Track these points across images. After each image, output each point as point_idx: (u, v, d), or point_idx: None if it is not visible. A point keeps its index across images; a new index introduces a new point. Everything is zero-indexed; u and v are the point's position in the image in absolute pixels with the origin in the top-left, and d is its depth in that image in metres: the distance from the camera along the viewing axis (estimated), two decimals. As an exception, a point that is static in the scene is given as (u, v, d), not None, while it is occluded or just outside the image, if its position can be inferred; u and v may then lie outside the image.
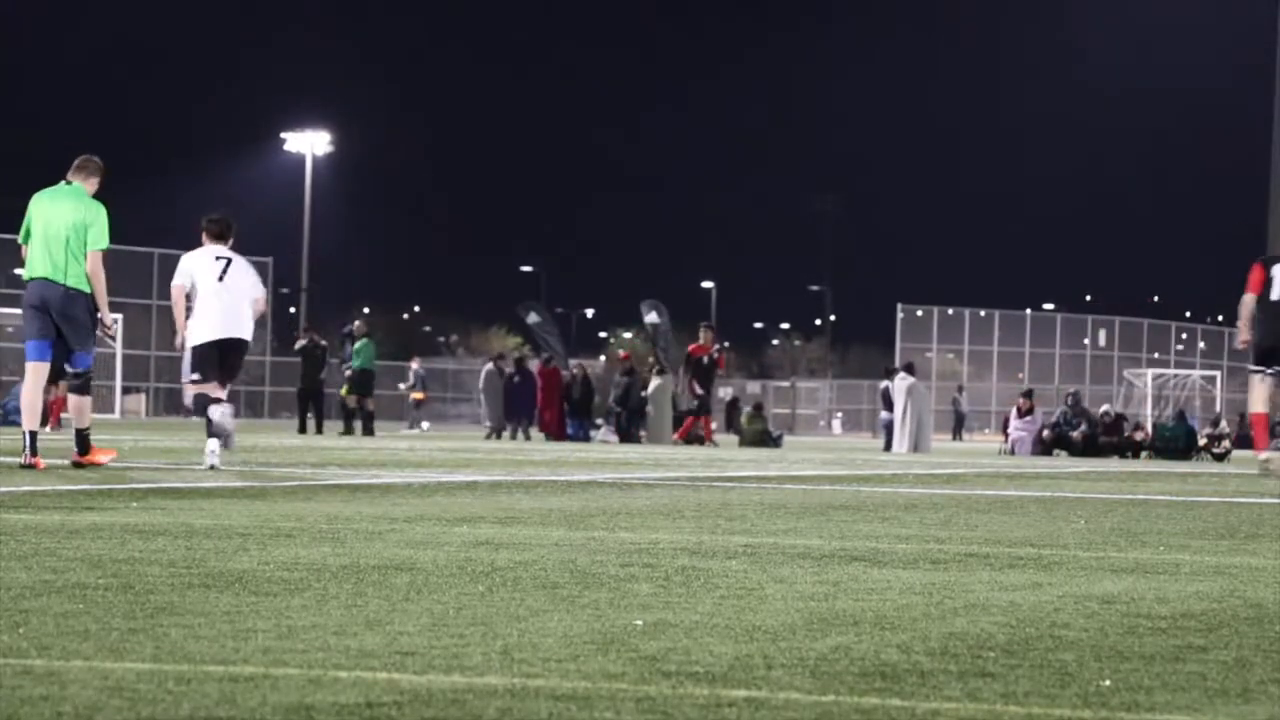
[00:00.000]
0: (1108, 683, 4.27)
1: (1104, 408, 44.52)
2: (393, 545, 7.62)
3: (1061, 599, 6.09)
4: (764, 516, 10.42)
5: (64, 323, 15.42)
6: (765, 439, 40.03)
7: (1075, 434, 38.81)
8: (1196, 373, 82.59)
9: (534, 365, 44.77)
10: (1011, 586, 6.51)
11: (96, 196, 15.72)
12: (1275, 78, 60.84)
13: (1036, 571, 7.12)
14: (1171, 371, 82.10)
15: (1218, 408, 73.66)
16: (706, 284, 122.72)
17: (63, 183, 15.74)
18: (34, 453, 15.02)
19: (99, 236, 15.45)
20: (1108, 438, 39.03)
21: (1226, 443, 38.58)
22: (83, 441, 15.68)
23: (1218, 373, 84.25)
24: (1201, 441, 38.44)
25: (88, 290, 15.45)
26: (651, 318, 44.16)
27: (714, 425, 38.37)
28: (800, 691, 4.03)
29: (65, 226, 15.38)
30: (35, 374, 15.62)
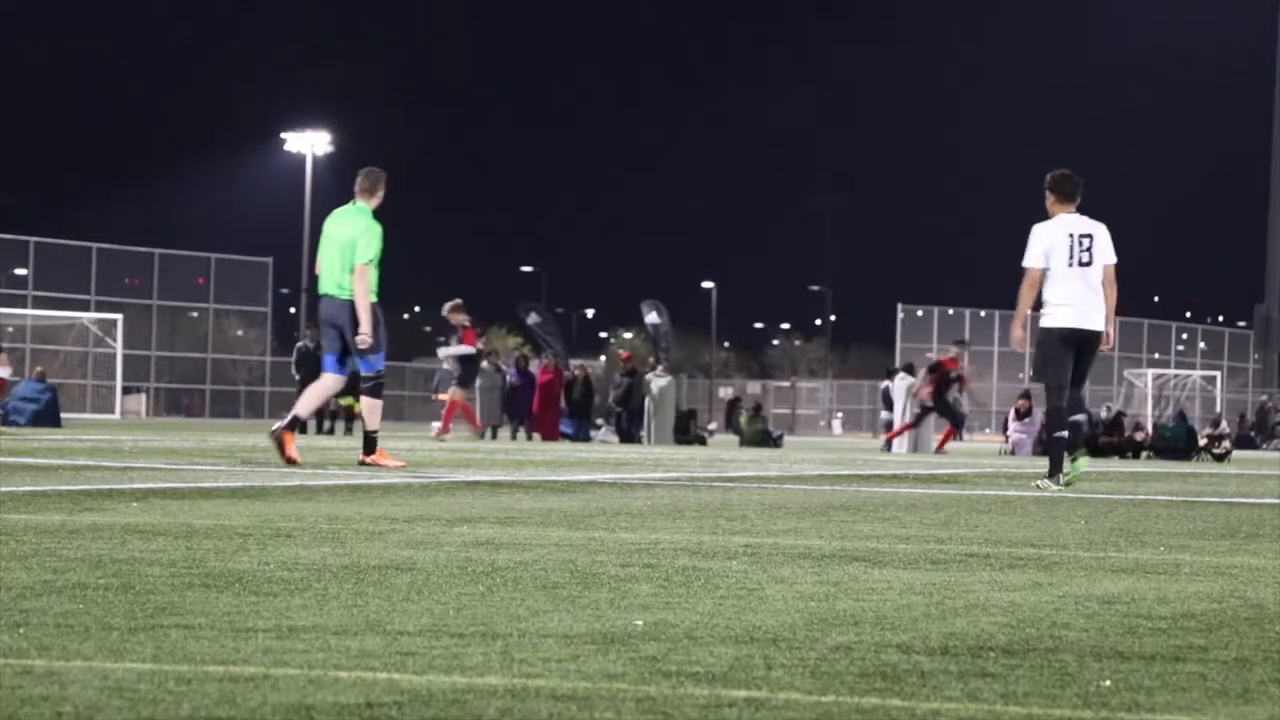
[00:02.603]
0: (1108, 683, 4.27)
1: (1105, 405, 44.50)
2: (393, 545, 7.61)
3: (1061, 599, 6.09)
4: (764, 516, 10.41)
5: (345, 333, 16.67)
6: (766, 439, 40.02)
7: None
8: (1197, 373, 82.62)
9: (534, 366, 44.73)
10: (1011, 586, 6.50)
11: (378, 210, 16.89)
12: (1275, 77, 60.84)
13: (1036, 571, 7.12)
14: (1172, 371, 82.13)
15: (1218, 408, 73.64)
16: (707, 284, 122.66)
17: (350, 203, 16.92)
18: (290, 428, 16.49)
19: (363, 250, 16.50)
20: (1108, 438, 39.03)
21: (1226, 443, 38.56)
22: (370, 443, 16.73)
23: (1218, 373, 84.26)
24: (1201, 441, 38.44)
25: (373, 300, 16.64)
26: (652, 318, 44.14)
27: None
28: (800, 692, 4.03)
29: (342, 244, 16.58)
30: (329, 383, 17.18)
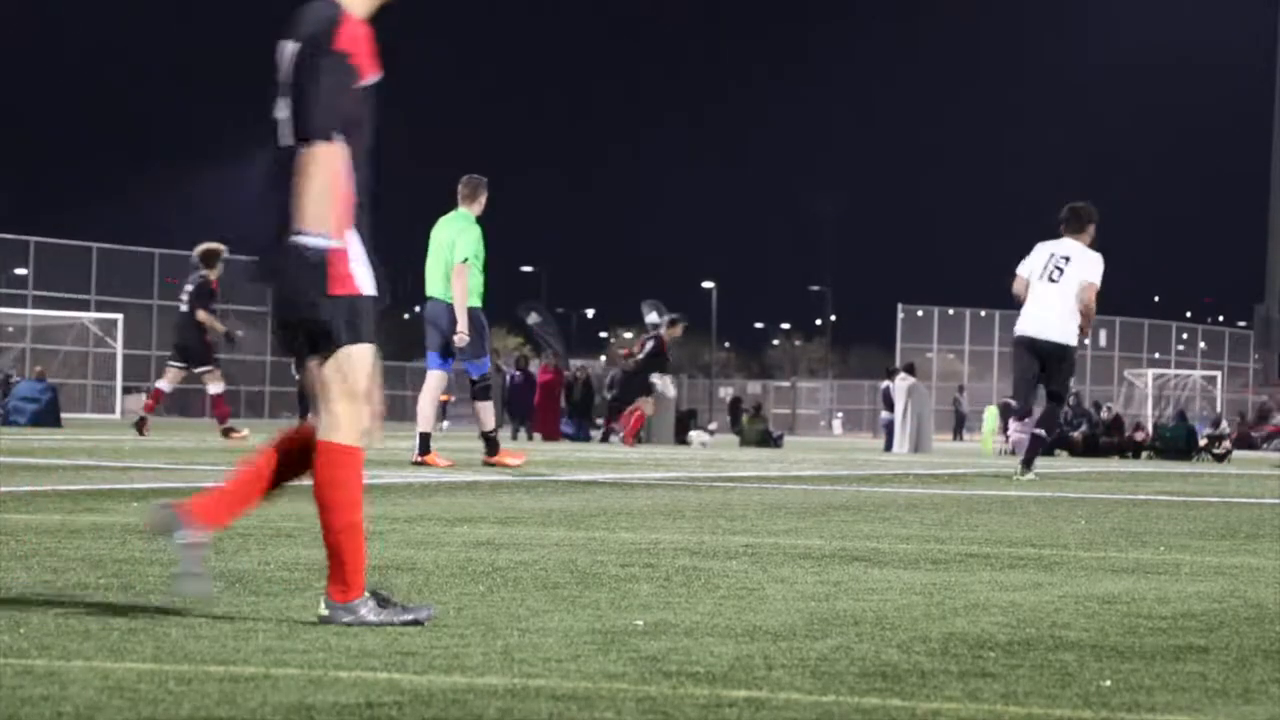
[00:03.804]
0: (1108, 683, 4.27)
1: (1105, 405, 44.50)
2: (393, 545, 7.61)
3: (1062, 599, 6.09)
4: (765, 517, 10.41)
5: (447, 334, 17.02)
6: (766, 439, 40.03)
7: (1076, 434, 38.82)
8: (1197, 373, 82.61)
9: (534, 366, 44.71)
10: (1012, 586, 6.51)
11: (482, 215, 17.27)
12: (1275, 77, 60.87)
13: (1037, 571, 7.12)
14: (1172, 371, 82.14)
15: (1218, 408, 73.63)
16: (707, 284, 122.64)
17: (453, 210, 17.33)
18: (425, 451, 16.64)
19: (461, 250, 16.89)
20: (1108, 438, 39.02)
21: (1227, 443, 38.55)
22: (491, 444, 17.21)
23: (1218, 373, 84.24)
24: (1202, 442, 38.44)
25: (474, 304, 17.01)
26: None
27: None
28: (801, 691, 4.03)
29: (444, 247, 17.03)
30: (431, 382, 17.46)
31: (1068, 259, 17.02)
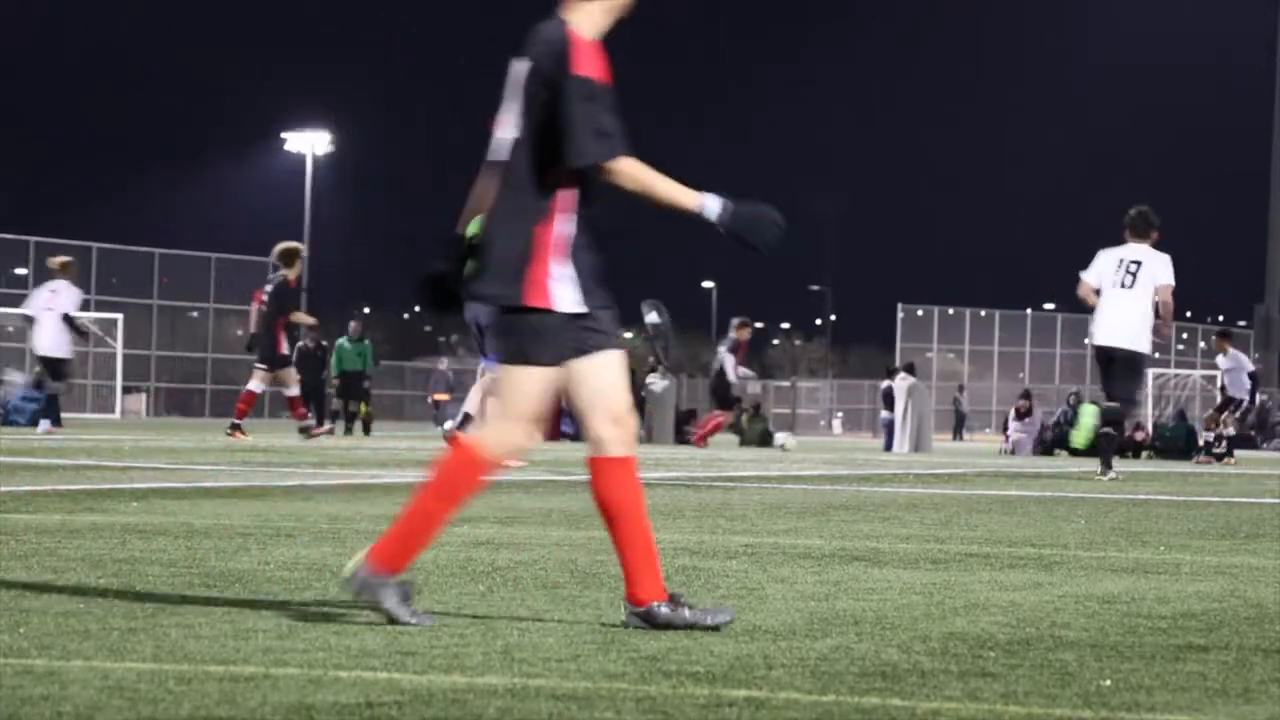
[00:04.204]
0: (1108, 683, 4.27)
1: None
2: (393, 545, 7.60)
3: (1061, 599, 6.09)
4: (765, 516, 10.42)
5: (486, 333, 17.35)
6: (768, 439, 40.03)
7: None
8: (1197, 373, 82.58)
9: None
10: (1011, 586, 6.51)
11: None
12: (1275, 77, 60.89)
13: (1037, 571, 7.12)
14: (1172, 371, 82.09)
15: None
16: (707, 284, 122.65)
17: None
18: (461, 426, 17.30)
19: None
20: (1108, 438, 38.99)
21: (1227, 442, 38.55)
22: None
23: (1218, 372, 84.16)
24: (1202, 442, 38.44)
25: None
26: (652, 318, 43.95)
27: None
28: (800, 691, 4.03)
29: None
30: (486, 379, 17.80)
31: (1138, 264, 17.27)
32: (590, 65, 5.16)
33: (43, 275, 67.48)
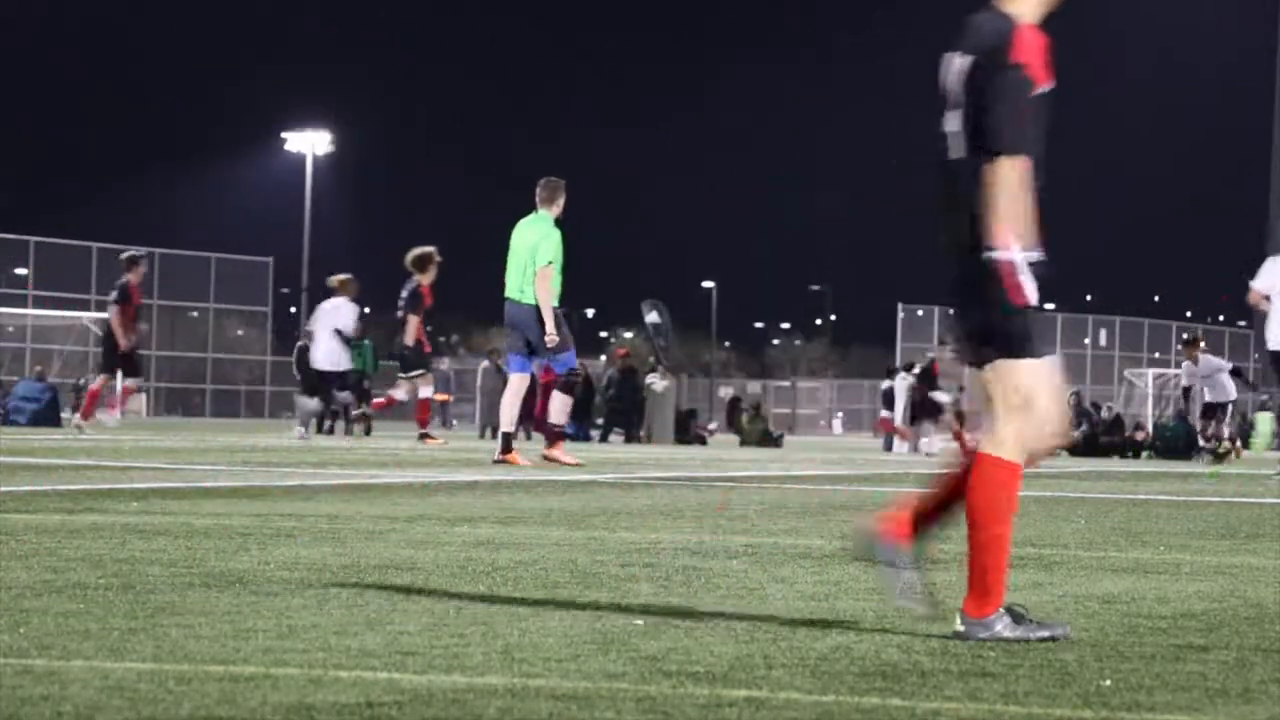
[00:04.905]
0: (1108, 683, 4.27)
1: (1106, 405, 44.48)
2: (393, 545, 7.62)
3: (1061, 599, 6.09)
4: (765, 516, 10.42)
5: (530, 336, 17.51)
6: (767, 439, 40.02)
7: (1076, 434, 38.82)
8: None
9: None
10: (1011, 586, 6.48)
11: (559, 217, 17.69)
12: (1276, 77, 60.87)
13: (1036, 571, 7.12)
14: (1172, 371, 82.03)
15: (1218, 408, 73.51)
16: (707, 284, 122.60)
17: (532, 213, 17.72)
18: (507, 450, 17.21)
19: (543, 253, 17.35)
20: (1108, 438, 39.02)
21: (1227, 443, 38.55)
22: (554, 437, 17.91)
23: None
24: (1202, 442, 38.43)
25: (553, 305, 17.52)
26: (652, 318, 44.09)
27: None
28: (801, 691, 4.03)
29: (524, 250, 17.47)
30: (515, 384, 17.94)
31: None
32: (1028, 55, 5.13)
33: (43, 275, 67.41)
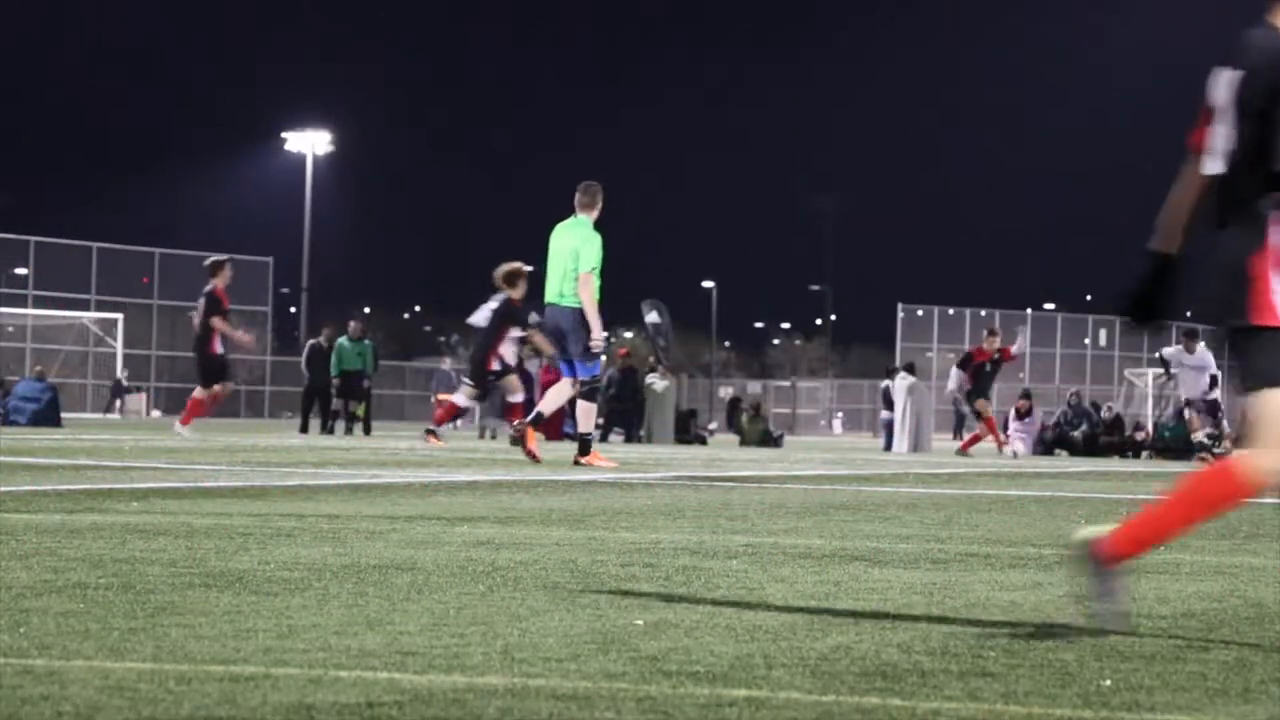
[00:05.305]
0: (1108, 683, 4.27)
1: (1106, 405, 44.48)
2: (393, 545, 7.62)
3: (1061, 599, 6.09)
4: (765, 516, 10.42)
5: (567, 338, 17.90)
6: (767, 439, 40.03)
7: (1076, 434, 38.83)
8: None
9: (534, 366, 44.66)
10: (1012, 586, 6.51)
11: (598, 221, 17.97)
12: (1276, 78, 60.86)
13: (1037, 571, 7.12)
14: (1172, 371, 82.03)
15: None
16: (707, 284, 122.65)
17: (571, 217, 18.00)
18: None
19: (585, 258, 17.64)
20: (1108, 438, 39.03)
21: (1227, 442, 38.55)
22: (584, 445, 18.03)
23: (1218, 372, 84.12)
24: (1196, 442, 38.44)
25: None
26: (652, 317, 44.05)
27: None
28: (801, 691, 4.03)
29: (565, 255, 17.75)
30: (564, 386, 18.40)
31: None
32: None
33: (43, 275, 67.39)
